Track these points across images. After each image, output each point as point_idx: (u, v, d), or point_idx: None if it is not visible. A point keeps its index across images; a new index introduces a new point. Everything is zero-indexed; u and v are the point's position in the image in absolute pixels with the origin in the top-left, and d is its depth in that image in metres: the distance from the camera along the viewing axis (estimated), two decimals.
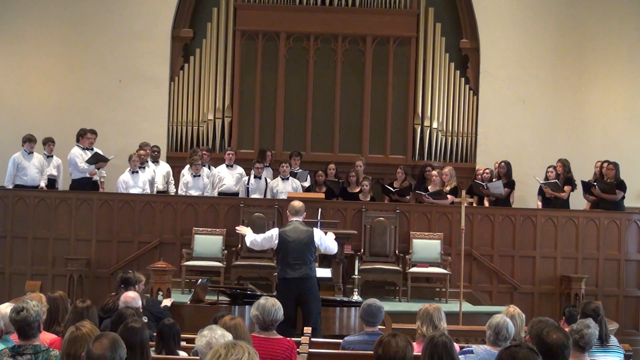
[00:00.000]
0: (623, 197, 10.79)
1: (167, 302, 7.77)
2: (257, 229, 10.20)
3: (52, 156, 11.06)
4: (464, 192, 9.21)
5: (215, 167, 11.41)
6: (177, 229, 10.48)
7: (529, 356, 3.35)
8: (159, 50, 12.75)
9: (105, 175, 11.42)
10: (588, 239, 10.56)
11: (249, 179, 11.05)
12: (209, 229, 10.27)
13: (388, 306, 7.96)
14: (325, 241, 7.62)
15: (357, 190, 11.17)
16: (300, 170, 11.53)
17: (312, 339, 6.06)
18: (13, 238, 10.42)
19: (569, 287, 10.16)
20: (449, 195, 10.56)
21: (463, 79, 12.98)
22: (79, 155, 10.80)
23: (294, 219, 7.60)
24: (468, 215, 10.22)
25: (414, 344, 4.98)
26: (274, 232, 7.64)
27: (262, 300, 5.25)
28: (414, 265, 10.12)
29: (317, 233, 7.61)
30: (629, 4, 12.84)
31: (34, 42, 12.66)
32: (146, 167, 11.01)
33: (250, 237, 7.78)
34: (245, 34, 12.86)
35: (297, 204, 7.72)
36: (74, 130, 11.10)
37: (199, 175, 10.94)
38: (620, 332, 9.23)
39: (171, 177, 11.59)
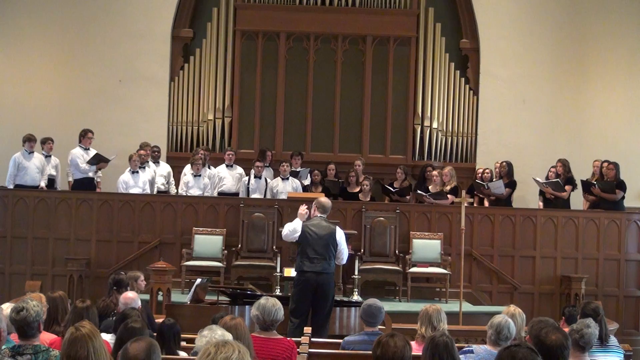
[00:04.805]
0: (623, 197, 10.78)
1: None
2: (257, 229, 10.27)
3: (50, 156, 11.05)
4: (464, 192, 9.22)
5: (214, 167, 11.41)
6: (177, 229, 10.49)
7: (529, 356, 3.35)
8: (159, 50, 12.74)
9: (101, 175, 11.39)
10: (588, 239, 10.56)
11: (249, 179, 11.05)
12: (209, 229, 10.27)
13: (388, 306, 7.95)
14: (343, 243, 7.70)
15: (357, 190, 11.16)
16: (301, 168, 11.52)
17: (312, 339, 6.06)
18: (13, 238, 10.43)
19: (569, 287, 10.16)
20: (449, 195, 10.56)
21: (463, 79, 12.98)
22: (80, 156, 10.81)
23: (319, 214, 7.67)
24: (468, 215, 10.22)
25: (414, 344, 4.99)
26: (297, 226, 7.63)
27: (262, 300, 5.25)
28: (414, 265, 10.12)
29: (340, 232, 7.70)
30: (629, 4, 12.83)
31: (34, 43, 12.66)
32: (146, 167, 11.01)
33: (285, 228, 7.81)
34: (245, 34, 12.85)
35: (326, 201, 7.84)
36: (74, 130, 11.11)
37: (200, 175, 10.94)
38: (620, 332, 9.23)
39: (172, 178, 11.58)
